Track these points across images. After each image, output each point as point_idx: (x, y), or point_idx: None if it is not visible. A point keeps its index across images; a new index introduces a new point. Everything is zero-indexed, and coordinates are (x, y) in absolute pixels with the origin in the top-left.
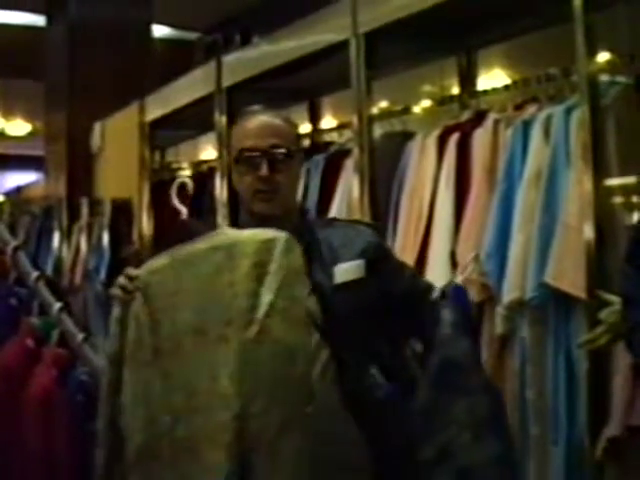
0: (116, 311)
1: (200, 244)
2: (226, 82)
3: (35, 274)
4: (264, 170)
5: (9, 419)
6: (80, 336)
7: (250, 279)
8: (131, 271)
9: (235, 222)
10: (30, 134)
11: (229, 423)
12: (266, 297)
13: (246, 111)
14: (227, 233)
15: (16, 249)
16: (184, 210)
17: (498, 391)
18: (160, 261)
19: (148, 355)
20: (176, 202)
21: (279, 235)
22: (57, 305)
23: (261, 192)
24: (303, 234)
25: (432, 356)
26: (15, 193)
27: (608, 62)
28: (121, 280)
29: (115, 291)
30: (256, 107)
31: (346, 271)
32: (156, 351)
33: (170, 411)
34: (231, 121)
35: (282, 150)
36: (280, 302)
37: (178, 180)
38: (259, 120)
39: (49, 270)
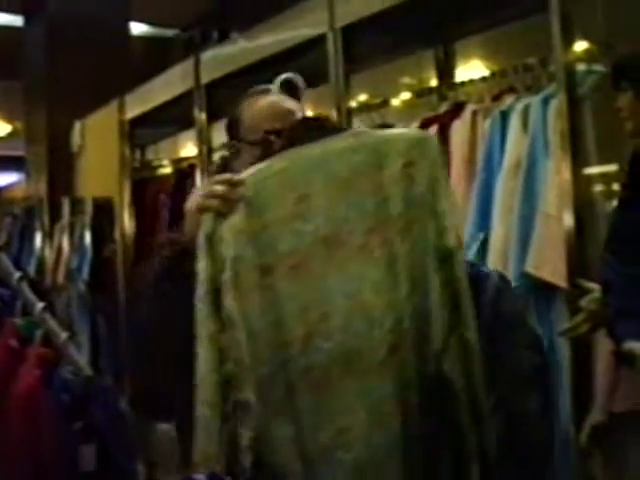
0: (207, 226)
1: (332, 144)
2: (205, 79)
3: (18, 274)
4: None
5: None
6: (64, 335)
7: (399, 182)
8: (233, 176)
9: None
10: (10, 135)
11: (380, 340)
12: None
13: (254, 91)
14: (368, 132)
15: None
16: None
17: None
18: (275, 164)
19: (255, 277)
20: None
21: (429, 135)
22: (40, 305)
23: None
24: None
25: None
26: None
27: (585, 51)
28: (219, 188)
29: (208, 201)
30: (263, 87)
31: None
32: (267, 271)
33: (296, 338)
34: (211, 117)
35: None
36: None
37: None
38: (277, 100)
39: (32, 270)
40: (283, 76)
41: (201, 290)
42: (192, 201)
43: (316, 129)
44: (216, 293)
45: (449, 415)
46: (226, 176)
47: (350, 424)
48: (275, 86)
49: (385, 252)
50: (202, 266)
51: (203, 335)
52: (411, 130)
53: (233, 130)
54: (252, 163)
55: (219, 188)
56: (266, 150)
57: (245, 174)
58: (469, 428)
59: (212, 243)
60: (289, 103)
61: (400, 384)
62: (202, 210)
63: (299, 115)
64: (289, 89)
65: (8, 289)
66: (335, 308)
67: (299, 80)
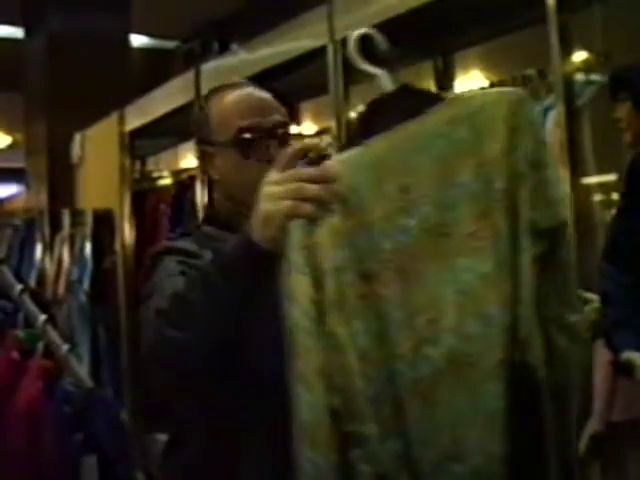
0: (300, 234)
1: (428, 120)
2: (205, 90)
3: (19, 287)
4: (273, 153)
5: None
6: (65, 347)
7: (503, 154)
8: (326, 169)
9: (213, 220)
10: (10, 146)
11: (496, 341)
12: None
13: (223, 87)
14: (463, 98)
15: (0, 262)
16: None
17: None
18: (367, 151)
19: (358, 288)
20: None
21: (527, 95)
22: (42, 317)
23: None
24: None
25: None
26: None
27: (583, 62)
28: (313, 188)
29: (302, 205)
30: (234, 80)
31: None
32: (369, 279)
33: (404, 350)
34: None
35: (288, 128)
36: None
37: None
38: (252, 94)
39: (32, 282)
40: (361, 31)
41: (298, 315)
42: (272, 200)
43: (411, 98)
44: (318, 316)
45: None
46: (318, 171)
47: (465, 434)
48: (352, 42)
49: (492, 237)
50: (296, 284)
51: (308, 370)
52: (507, 91)
53: (201, 133)
54: (230, 167)
55: (313, 188)
56: (244, 151)
57: (337, 163)
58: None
59: (308, 255)
60: (264, 95)
61: (507, 385)
62: (294, 217)
63: (279, 108)
64: (366, 50)
65: (10, 301)
66: (445, 309)
67: (379, 38)
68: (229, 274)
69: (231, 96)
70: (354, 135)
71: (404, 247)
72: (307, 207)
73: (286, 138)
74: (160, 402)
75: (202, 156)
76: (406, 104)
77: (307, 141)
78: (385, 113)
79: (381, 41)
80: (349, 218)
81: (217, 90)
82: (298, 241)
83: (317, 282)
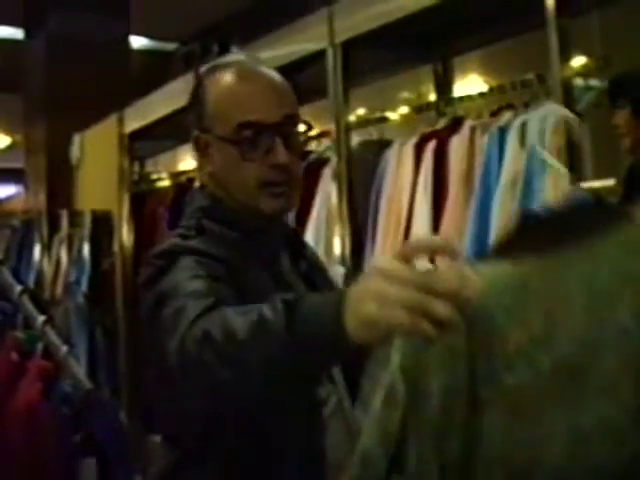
0: (405, 354)
1: (596, 244)
2: None
3: (19, 288)
4: (282, 154)
5: None
6: (64, 348)
7: None
8: (463, 284)
9: (212, 215)
10: (9, 147)
11: None
12: None
13: (221, 65)
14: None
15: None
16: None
17: None
18: (518, 269)
19: (463, 413)
20: None
21: None
22: (41, 318)
23: (274, 184)
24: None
25: None
26: None
27: (582, 67)
28: (439, 309)
29: (419, 323)
30: (235, 56)
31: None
32: (479, 406)
33: None
34: None
35: (298, 123)
36: None
37: None
38: (256, 79)
39: (30, 283)
40: None
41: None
42: (382, 301)
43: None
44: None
45: None
46: (452, 284)
47: None
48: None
49: (629, 392)
50: (381, 417)
51: None
52: None
53: (195, 114)
54: (230, 166)
55: (441, 308)
56: (243, 150)
57: (477, 279)
58: None
59: (409, 380)
60: (270, 79)
61: None
62: (406, 333)
63: (287, 96)
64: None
65: (9, 302)
66: (549, 451)
67: None
68: (305, 352)
69: (231, 80)
70: (506, 244)
71: (527, 385)
72: (426, 327)
73: (294, 135)
74: (158, 405)
75: (196, 140)
76: (577, 218)
77: (437, 240)
78: (545, 227)
79: None
80: (473, 342)
81: (215, 69)
82: (401, 362)
83: (415, 403)
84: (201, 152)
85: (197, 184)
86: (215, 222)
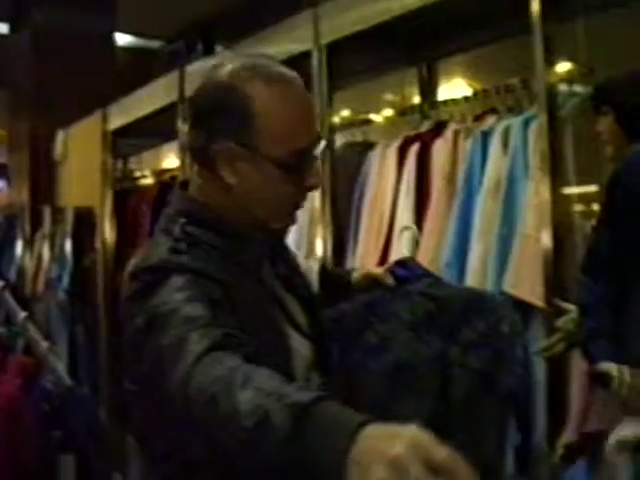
0: None
1: None
2: (189, 91)
3: (1, 283)
4: (316, 178)
5: None
6: (45, 345)
7: None
8: None
9: (203, 222)
10: None
11: None
12: None
13: (270, 74)
14: None
15: None
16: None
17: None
18: None
19: None
20: None
21: None
22: (22, 314)
23: (298, 205)
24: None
25: None
26: None
27: (566, 73)
28: None
29: None
30: (276, 64)
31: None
32: None
33: None
34: None
35: (324, 144)
36: None
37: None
38: (307, 99)
39: (12, 278)
40: None
41: None
42: (390, 470)
43: None
44: None
45: None
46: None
47: None
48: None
49: None
50: None
51: None
52: None
53: (234, 127)
54: (258, 182)
55: None
56: (289, 174)
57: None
58: None
59: None
60: (311, 101)
61: None
62: None
63: (316, 117)
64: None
65: None
66: None
67: None
68: (295, 467)
69: (285, 98)
70: None
71: None
72: None
73: (319, 154)
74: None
75: (215, 151)
76: None
77: None
78: None
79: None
80: None
81: (260, 76)
82: None
83: None
84: (226, 164)
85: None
86: (199, 227)
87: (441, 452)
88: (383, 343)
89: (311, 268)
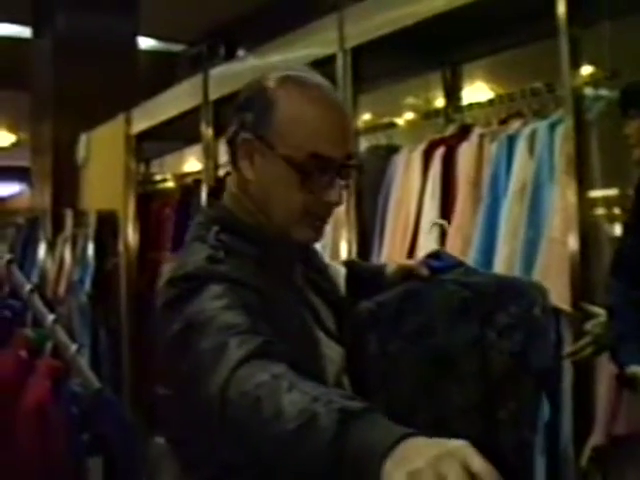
0: None
1: None
2: (213, 95)
3: (29, 286)
4: (339, 195)
5: (3, 431)
6: (74, 347)
7: None
8: None
9: (234, 229)
10: (14, 145)
11: None
12: None
13: (302, 78)
14: None
15: (10, 262)
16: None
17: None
18: None
19: None
20: None
21: None
22: (51, 317)
23: (317, 217)
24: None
25: None
26: None
27: (592, 77)
28: None
29: None
30: (311, 73)
31: None
32: None
33: None
34: (217, 133)
35: (356, 164)
36: None
37: None
38: (338, 111)
39: (34, 281)
40: None
41: None
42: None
43: None
44: None
45: None
46: None
47: None
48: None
49: None
50: None
51: None
52: None
53: (253, 118)
54: (273, 182)
55: None
56: (305, 179)
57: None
58: None
59: None
60: (346, 113)
61: None
62: None
63: (352, 135)
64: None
65: (19, 300)
66: None
67: None
68: (333, 469)
69: (309, 102)
70: None
71: None
72: None
73: (350, 176)
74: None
75: (245, 143)
76: None
77: None
78: None
79: None
80: None
81: (288, 79)
82: None
83: None
84: (245, 156)
85: (204, 187)
86: (234, 235)
87: (479, 463)
88: (422, 330)
89: (338, 272)
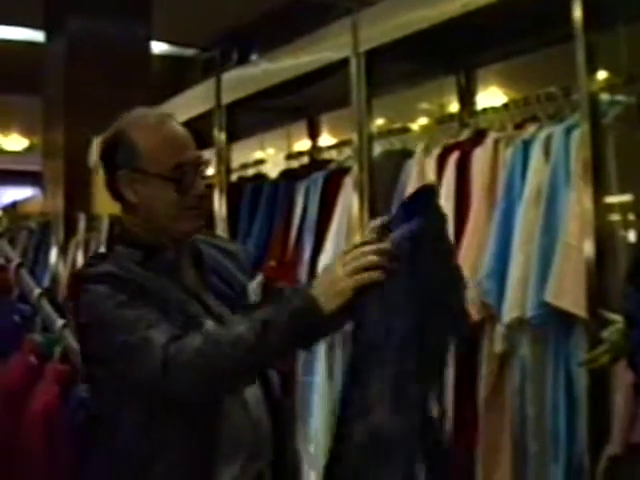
0: None
1: None
2: (226, 99)
3: (38, 291)
4: (201, 187)
5: (11, 435)
6: None
7: None
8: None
9: (128, 241)
10: (27, 149)
11: None
12: None
13: (143, 116)
14: None
15: (19, 266)
16: None
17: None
18: None
19: None
20: None
21: None
22: (60, 322)
23: (193, 209)
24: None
25: None
26: (11, 208)
27: (608, 81)
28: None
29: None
30: (148, 110)
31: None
32: None
33: None
34: (230, 138)
35: (206, 160)
36: None
37: None
38: (178, 129)
39: (45, 285)
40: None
41: None
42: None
43: None
44: None
45: None
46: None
47: None
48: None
49: None
50: None
51: None
52: None
53: (120, 158)
54: (153, 195)
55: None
56: (179, 185)
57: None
58: None
59: None
60: (184, 130)
61: None
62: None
63: (193, 142)
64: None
65: (28, 305)
66: None
67: None
68: (290, 331)
69: (161, 129)
70: None
71: None
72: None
73: (204, 172)
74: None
75: (115, 179)
76: None
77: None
78: None
79: None
80: None
81: (138, 120)
82: None
83: None
84: (127, 187)
85: (216, 191)
86: (124, 245)
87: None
88: None
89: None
